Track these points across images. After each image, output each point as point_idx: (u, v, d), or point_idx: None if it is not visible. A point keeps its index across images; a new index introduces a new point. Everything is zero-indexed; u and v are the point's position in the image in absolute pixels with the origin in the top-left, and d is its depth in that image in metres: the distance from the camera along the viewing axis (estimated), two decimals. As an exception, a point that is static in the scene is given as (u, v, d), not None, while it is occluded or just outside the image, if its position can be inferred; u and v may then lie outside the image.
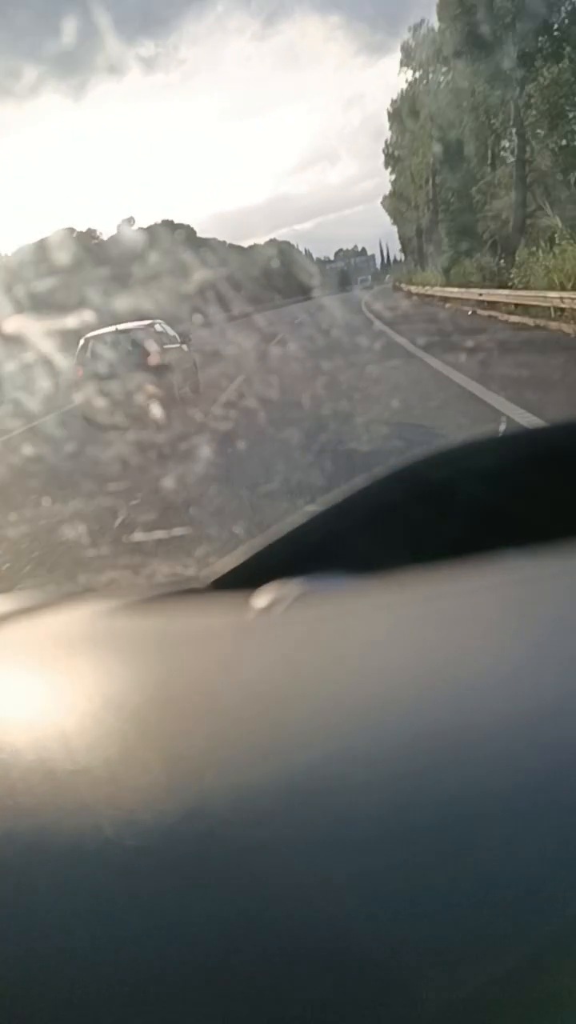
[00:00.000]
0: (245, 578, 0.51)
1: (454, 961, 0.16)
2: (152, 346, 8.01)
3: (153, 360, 7.87)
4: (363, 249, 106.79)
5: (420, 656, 0.27)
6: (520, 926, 0.16)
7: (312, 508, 0.54)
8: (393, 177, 35.04)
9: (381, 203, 40.58)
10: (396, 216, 37.53)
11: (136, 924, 0.19)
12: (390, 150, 33.56)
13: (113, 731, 0.27)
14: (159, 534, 3.77)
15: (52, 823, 0.23)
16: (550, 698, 0.23)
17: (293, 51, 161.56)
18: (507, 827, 0.19)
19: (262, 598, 0.44)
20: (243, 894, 0.19)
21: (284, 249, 62.49)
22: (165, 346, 8.31)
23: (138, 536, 3.82)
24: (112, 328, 8.51)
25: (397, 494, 0.55)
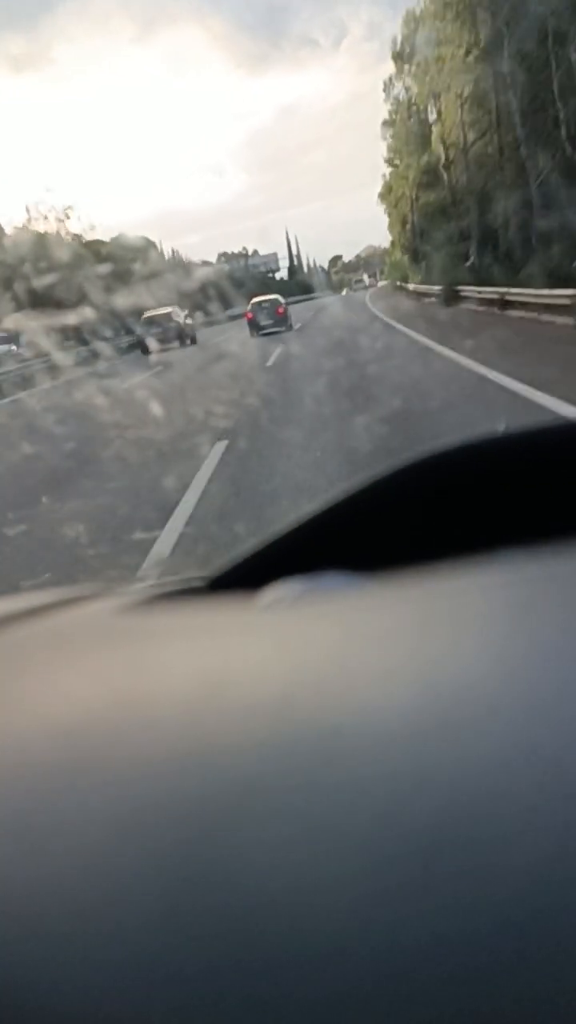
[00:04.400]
0: (246, 577, 0.51)
1: (456, 960, 0.16)
2: (279, 305, 21.71)
3: (280, 311, 21.25)
4: (255, 251, 76.82)
5: (421, 655, 0.27)
6: (521, 922, 0.16)
7: (313, 507, 0.54)
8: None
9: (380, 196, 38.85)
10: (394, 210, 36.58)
11: (137, 921, 0.19)
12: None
13: (114, 731, 0.27)
14: (159, 534, 3.77)
15: (54, 823, 0.23)
16: (551, 698, 0.23)
17: (175, 58, 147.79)
18: (508, 826, 0.19)
19: (263, 597, 0.44)
20: (245, 891, 0.19)
21: (140, 246, 40.01)
22: (285, 305, 22.11)
23: (138, 535, 3.82)
24: (262, 297, 22.39)
25: (397, 493, 0.55)
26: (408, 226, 34.55)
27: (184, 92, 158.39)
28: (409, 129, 29.70)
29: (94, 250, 32.99)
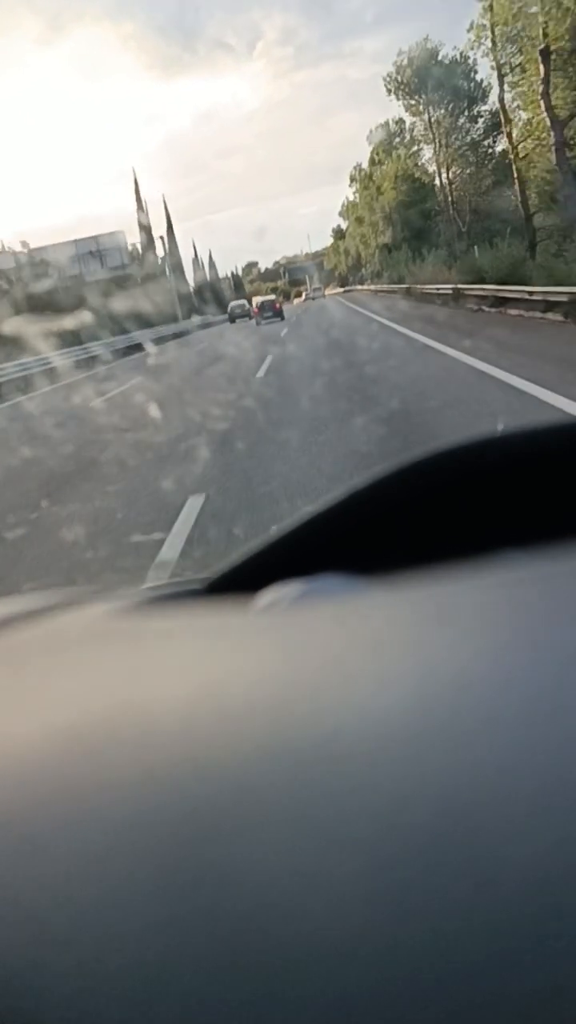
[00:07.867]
0: (245, 579, 0.51)
1: (457, 961, 0.16)
2: (277, 302, 32.22)
3: (276, 306, 31.09)
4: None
5: (421, 657, 0.27)
6: (522, 922, 0.16)
7: (312, 508, 0.54)
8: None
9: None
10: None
11: (136, 925, 0.19)
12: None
13: (112, 734, 0.27)
14: (159, 534, 3.77)
15: (52, 826, 0.23)
16: (550, 700, 0.23)
17: (84, 59, 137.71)
18: (507, 828, 0.19)
19: (262, 599, 0.44)
20: (243, 894, 0.19)
21: None
22: (280, 304, 33.40)
23: (137, 537, 3.83)
24: (264, 297, 34.61)
25: (397, 494, 0.55)
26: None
27: (94, 94, 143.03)
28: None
29: None
